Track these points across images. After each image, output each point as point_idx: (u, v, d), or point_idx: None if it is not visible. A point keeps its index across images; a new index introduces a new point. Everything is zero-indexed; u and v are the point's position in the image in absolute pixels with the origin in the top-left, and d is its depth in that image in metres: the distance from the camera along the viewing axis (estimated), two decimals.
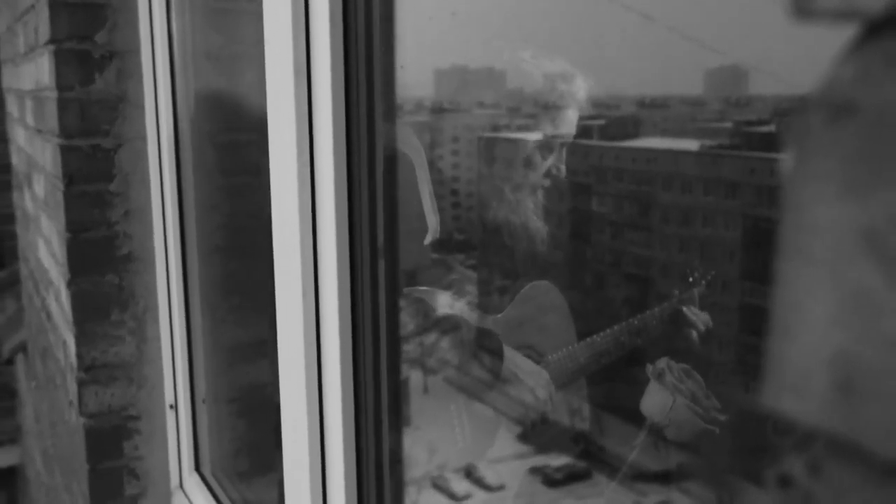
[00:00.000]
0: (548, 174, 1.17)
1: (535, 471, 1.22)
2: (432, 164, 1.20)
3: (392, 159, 0.87)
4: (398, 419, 0.90)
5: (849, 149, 0.22)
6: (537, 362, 1.18)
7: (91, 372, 1.46)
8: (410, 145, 1.14)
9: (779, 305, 0.24)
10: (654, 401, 1.11)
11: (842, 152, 0.23)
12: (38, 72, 1.59)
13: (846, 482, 0.22)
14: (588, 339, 1.21)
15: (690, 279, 1.25)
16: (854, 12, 0.22)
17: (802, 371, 0.23)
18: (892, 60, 0.21)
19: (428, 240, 1.13)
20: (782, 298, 0.24)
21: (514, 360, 1.14)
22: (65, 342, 1.59)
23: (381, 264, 0.82)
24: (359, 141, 0.79)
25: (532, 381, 1.14)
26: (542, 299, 1.23)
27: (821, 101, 0.23)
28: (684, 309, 1.22)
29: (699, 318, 1.21)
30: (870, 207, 0.21)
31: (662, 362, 1.12)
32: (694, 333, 1.21)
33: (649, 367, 1.12)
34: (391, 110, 0.85)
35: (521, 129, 1.29)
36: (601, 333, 1.21)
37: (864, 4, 0.22)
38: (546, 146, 1.17)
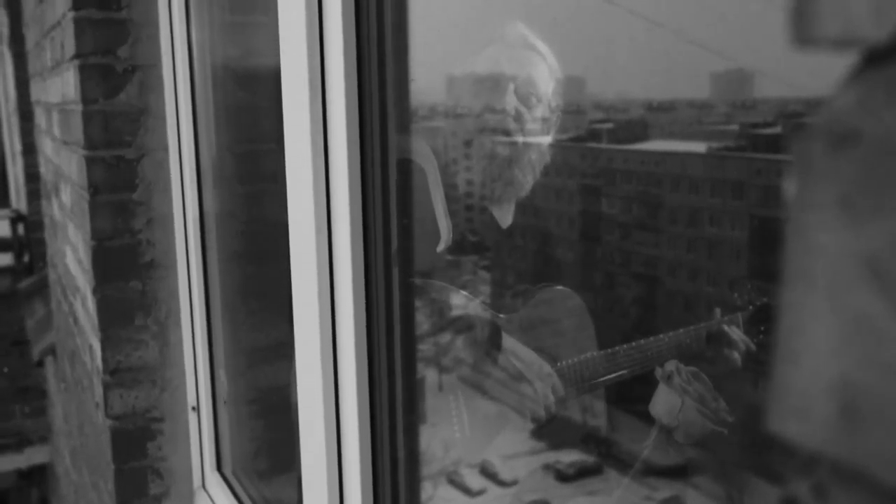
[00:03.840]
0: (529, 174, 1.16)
1: (547, 467, 1.22)
2: (445, 168, 1.21)
3: (405, 168, 0.89)
4: (413, 417, 0.91)
5: (851, 177, 0.23)
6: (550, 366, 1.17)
7: (116, 375, 1.48)
8: (422, 154, 1.15)
9: (783, 330, 0.24)
10: (663, 403, 1.11)
11: (844, 180, 0.23)
12: (64, 85, 1.63)
13: None
14: (610, 350, 1.16)
15: (738, 303, 1.19)
16: (855, 40, 0.22)
17: (806, 396, 0.23)
18: (894, 89, 0.22)
19: (441, 247, 1.14)
20: (786, 323, 0.24)
21: (515, 349, 1.12)
22: (91, 346, 1.62)
23: (395, 268, 0.83)
24: (372, 150, 0.80)
25: (531, 372, 1.11)
26: (559, 305, 1.20)
27: (823, 128, 0.23)
28: (727, 328, 1.16)
29: (741, 340, 1.16)
30: (871, 235, 0.22)
31: (671, 365, 1.11)
32: (734, 356, 1.16)
33: (658, 370, 1.12)
34: (404, 120, 0.87)
35: (532, 132, 1.30)
36: (625, 346, 1.16)
37: (866, 33, 0.22)
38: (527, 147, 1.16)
